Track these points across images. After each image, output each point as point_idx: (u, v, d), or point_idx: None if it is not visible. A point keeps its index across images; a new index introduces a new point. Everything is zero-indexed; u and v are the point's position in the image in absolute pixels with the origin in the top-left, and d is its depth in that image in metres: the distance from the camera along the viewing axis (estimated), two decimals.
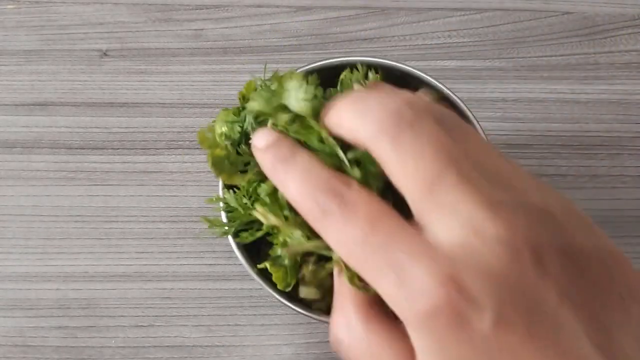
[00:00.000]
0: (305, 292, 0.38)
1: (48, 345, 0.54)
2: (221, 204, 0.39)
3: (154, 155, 0.59)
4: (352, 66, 0.44)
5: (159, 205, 0.58)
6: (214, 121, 0.37)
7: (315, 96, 0.31)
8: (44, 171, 0.58)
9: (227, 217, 0.39)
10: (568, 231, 0.24)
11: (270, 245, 0.44)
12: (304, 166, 0.27)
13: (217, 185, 0.44)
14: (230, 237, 0.42)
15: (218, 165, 0.36)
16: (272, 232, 0.36)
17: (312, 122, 0.31)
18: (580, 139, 0.60)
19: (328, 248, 0.28)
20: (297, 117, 0.32)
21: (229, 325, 0.54)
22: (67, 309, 0.55)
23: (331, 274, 0.33)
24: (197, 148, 0.59)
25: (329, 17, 0.64)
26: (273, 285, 0.42)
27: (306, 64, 0.46)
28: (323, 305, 0.40)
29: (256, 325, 0.54)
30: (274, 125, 0.32)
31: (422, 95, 0.34)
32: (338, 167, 0.29)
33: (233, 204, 0.36)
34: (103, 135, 0.60)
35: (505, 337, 0.21)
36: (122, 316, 0.54)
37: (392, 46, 0.64)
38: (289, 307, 0.41)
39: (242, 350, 0.54)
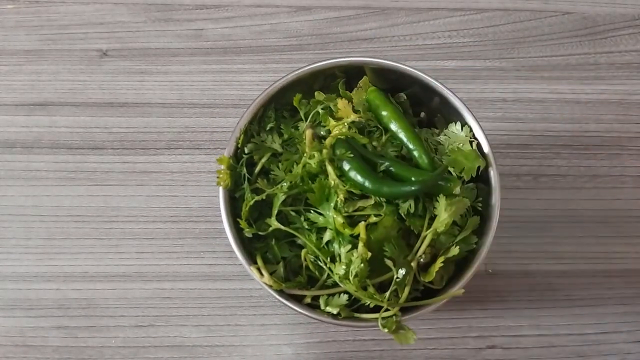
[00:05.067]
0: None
1: (48, 345, 0.54)
2: None
3: (154, 155, 0.59)
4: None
5: (159, 205, 0.58)
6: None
7: None
8: (44, 171, 0.58)
9: None
10: None
11: (263, 243, 0.44)
12: None
13: (217, 186, 0.44)
14: (230, 237, 0.42)
15: None
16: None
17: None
18: (580, 139, 0.60)
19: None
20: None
21: (229, 325, 0.54)
22: (67, 309, 0.55)
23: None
24: (197, 148, 0.59)
25: (329, 17, 0.64)
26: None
27: (306, 64, 0.46)
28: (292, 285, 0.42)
29: (256, 325, 0.54)
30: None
31: None
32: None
33: None
34: (103, 135, 0.60)
35: None
36: (122, 316, 0.54)
37: (392, 46, 0.63)
38: (289, 307, 0.41)
39: (242, 350, 0.54)
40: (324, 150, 0.42)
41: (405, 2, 0.65)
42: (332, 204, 0.41)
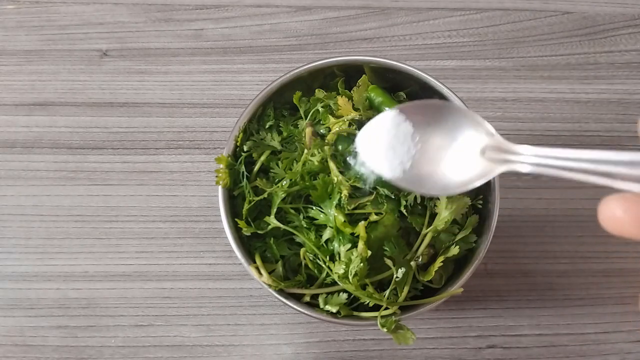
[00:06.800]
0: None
1: (48, 345, 0.54)
2: None
3: (154, 155, 0.59)
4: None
5: (159, 205, 0.58)
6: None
7: None
8: (44, 171, 0.58)
9: None
10: None
11: (262, 242, 0.44)
12: None
13: (217, 186, 0.44)
14: (230, 237, 0.43)
15: None
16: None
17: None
18: (580, 138, 0.60)
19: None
20: None
21: (229, 324, 0.54)
22: (67, 308, 0.55)
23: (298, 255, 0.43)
24: (197, 148, 0.59)
25: (329, 17, 0.64)
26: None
27: (306, 63, 0.46)
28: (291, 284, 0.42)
29: (256, 325, 0.54)
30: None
31: None
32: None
33: None
34: (103, 135, 0.60)
35: None
36: (122, 316, 0.54)
37: (392, 46, 0.63)
38: (288, 305, 0.41)
39: (241, 349, 0.54)
40: (326, 147, 0.42)
41: (405, 2, 0.65)
42: (335, 202, 0.41)
